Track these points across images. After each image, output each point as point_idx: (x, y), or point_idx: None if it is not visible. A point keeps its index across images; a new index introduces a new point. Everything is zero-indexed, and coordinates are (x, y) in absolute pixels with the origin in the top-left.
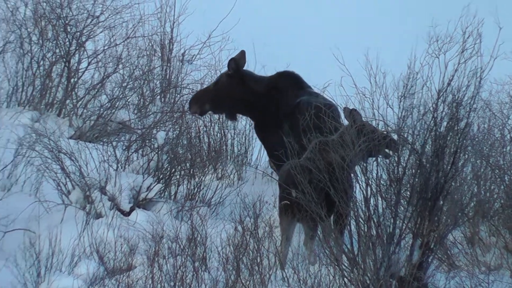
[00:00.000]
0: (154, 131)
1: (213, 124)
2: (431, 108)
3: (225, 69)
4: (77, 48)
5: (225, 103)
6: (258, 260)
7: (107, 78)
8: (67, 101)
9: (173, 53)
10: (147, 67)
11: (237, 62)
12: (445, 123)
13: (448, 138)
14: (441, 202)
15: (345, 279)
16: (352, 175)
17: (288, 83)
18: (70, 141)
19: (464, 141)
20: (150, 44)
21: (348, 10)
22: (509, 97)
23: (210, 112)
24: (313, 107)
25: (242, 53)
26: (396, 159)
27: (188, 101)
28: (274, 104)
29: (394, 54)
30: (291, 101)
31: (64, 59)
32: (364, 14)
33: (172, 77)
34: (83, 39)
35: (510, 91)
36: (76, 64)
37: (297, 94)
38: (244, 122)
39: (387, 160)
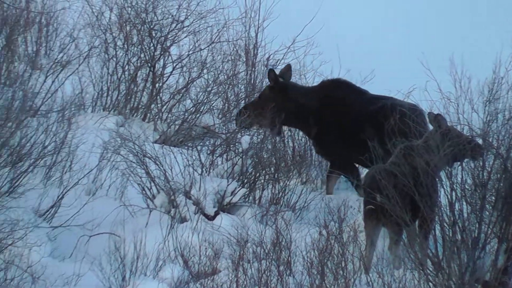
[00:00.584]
0: (239, 136)
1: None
2: None
3: (310, 73)
4: (162, 53)
5: (269, 116)
6: (343, 265)
7: (192, 82)
8: (152, 106)
9: (257, 58)
10: (231, 72)
11: (279, 73)
12: None
13: None
14: None
15: (430, 283)
16: (437, 180)
17: (346, 91)
18: (155, 146)
19: None
20: (235, 49)
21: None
22: None
23: (256, 126)
24: (398, 111)
25: (288, 67)
26: (481, 164)
27: (235, 115)
28: (332, 113)
29: (479, 59)
30: (363, 108)
31: (149, 64)
32: (449, 18)
33: (257, 81)
34: (168, 44)
35: None
36: (161, 69)
37: (366, 99)
38: None
39: (472, 165)
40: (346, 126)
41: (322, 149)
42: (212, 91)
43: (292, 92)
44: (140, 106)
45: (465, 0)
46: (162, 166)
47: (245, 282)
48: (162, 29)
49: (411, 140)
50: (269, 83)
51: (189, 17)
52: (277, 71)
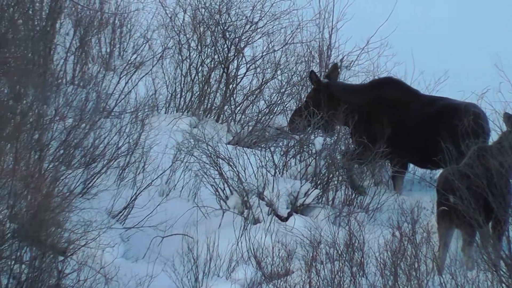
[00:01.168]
0: (312, 137)
1: None
2: None
3: (383, 74)
4: (236, 54)
5: (318, 117)
6: (416, 266)
7: (265, 84)
8: (225, 107)
9: (331, 59)
10: (305, 73)
11: (326, 73)
12: None
13: None
14: None
15: (503, 285)
16: (510, 181)
17: (398, 89)
18: (228, 147)
19: None
20: (308, 50)
21: (506, 14)
22: None
23: (308, 128)
24: (472, 113)
25: (334, 66)
26: None
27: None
28: (383, 112)
29: None
30: (421, 107)
31: (223, 65)
32: None
33: None
34: (242, 45)
35: None
36: (234, 70)
37: (420, 99)
38: None
39: None
40: (401, 125)
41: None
42: (286, 92)
43: (337, 92)
44: (213, 107)
45: None
46: (235, 167)
47: (318, 283)
48: (236, 30)
49: (484, 141)
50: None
51: (263, 18)
52: (351, 72)
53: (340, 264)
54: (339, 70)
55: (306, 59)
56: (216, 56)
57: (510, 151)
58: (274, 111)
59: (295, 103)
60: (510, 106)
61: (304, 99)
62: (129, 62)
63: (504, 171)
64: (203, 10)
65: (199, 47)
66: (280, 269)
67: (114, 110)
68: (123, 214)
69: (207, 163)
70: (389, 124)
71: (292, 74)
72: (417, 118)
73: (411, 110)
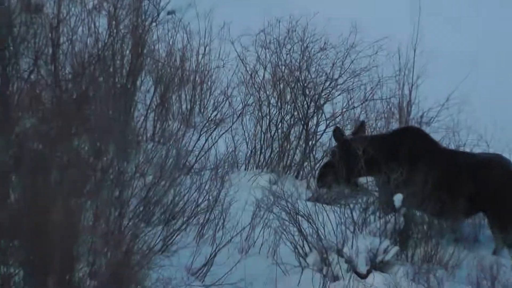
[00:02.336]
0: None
1: None
2: None
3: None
4: (316, 110)
5: (343, 173)
6: None
7: None
8: (305, 163)
9: (411, 115)
10: (385, 130)
11: (353, 130)
12: None
13: None
14: None
15: None
16: None
17: (423, 142)
18: (307, 203)
19: None
20: (388, 107)
21: None
22: None
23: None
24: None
25: (361, 123)
26: None
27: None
28: (412, 162)
29: None
30: (451, 160)
31: (302, 122)
32: None
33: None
34: (321, 102)
35: None
36: (314, 127)
37: (445, 151)
38: None
39: None
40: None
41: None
42: None
43: (357, 146)
44: (293, 163)
45: None
46: (315, 224)
47: None
48: (316, 87)
49: None
50: None
51: (342, 75)
52: (431, 129)
53: None
54: (365, 127)
55: (386, 116)
56: (295, 113)
57: None
58: None
59: None
60: None
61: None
62: (209, 119)
63: None
64: (283, 67)
65: (279, 103)
66: None
67: (194, 167)
68: (202, 271)
69: (286, 220)
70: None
71: (372, 130)
72: (451, 170)
73: (440, 162)
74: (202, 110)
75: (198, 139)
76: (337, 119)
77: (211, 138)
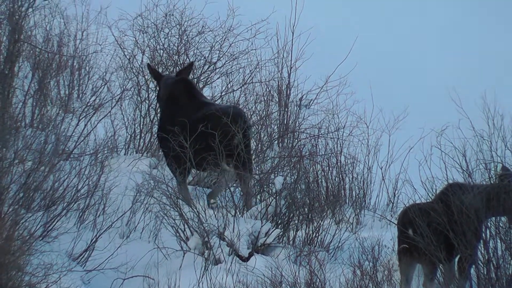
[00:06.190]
0: (272, 176)
1: (331, 168)
2: None
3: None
4: None
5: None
6: None
7: None
8: None
9: (290, 98)
10: (264, 112)
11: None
12: None
13: None
14: None
15: None
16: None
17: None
18: (188, 187)
19: None
20: (267, 90)
21: (465, 52)
22: None
23: None
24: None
25: (190, 65)
26: None
27: None
28: None
29: None
30: None
31: None
32: (482, 56)
33: (290, 122)
34: (201, 85)
35: None
36: None
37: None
38: (362, 166)
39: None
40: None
41: None
42: None
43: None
44: None
45: (500, 38)
46: (196, 208)
47: None
48: (195, 70)
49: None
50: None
51: (221, 58)
52: (311, 111)
53: None
54: (193, 67)
55: (265, 98)
56: None
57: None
58: None
59: (254, 142)
60: (470, 143)
61: None
62: (88, 104)
63: (465, 208)
64: (162, 51)
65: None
66: None
67: (73, 152)
68: (83, 256)
69: (167, 204)
70: None
71: (251, 113)
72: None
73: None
74: (80, 96)
75: (77, 125)
76: (217, 102)
77: (90, 123)
